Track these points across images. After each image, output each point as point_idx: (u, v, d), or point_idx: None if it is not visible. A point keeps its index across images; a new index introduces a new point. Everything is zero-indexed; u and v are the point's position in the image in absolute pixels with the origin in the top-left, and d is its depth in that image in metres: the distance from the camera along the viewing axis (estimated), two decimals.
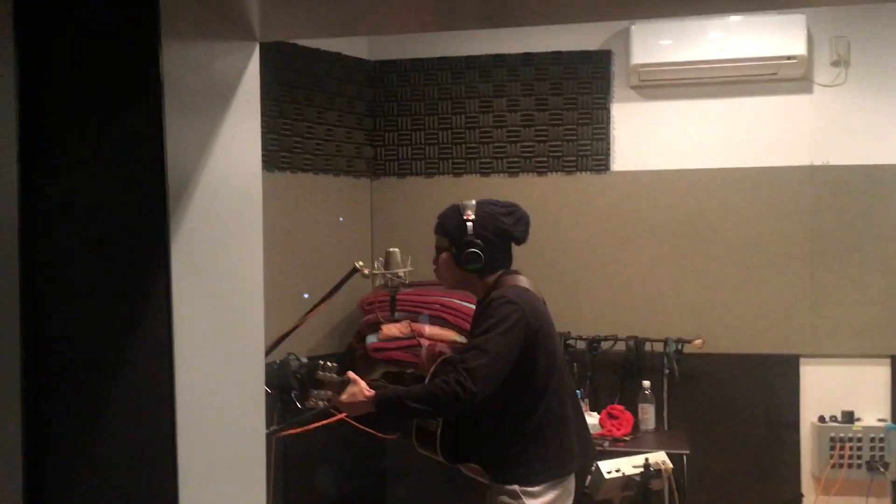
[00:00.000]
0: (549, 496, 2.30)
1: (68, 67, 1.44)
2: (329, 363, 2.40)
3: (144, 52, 1.43)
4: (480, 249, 2.33)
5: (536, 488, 2.28)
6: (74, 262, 1.38)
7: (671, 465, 2.55)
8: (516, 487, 2.27)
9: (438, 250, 2.49)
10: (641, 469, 2.49)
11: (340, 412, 2.58)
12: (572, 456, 2.39)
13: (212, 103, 1.68)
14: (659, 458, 2.56)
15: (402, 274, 2.98)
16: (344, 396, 2.34)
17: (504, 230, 2.37)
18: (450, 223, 2.41)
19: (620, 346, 4.23)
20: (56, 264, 1.39)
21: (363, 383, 2.34)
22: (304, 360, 2.68)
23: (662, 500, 2.54)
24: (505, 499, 2.29)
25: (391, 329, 4.06)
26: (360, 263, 2.93)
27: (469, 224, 2.33)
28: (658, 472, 2.52)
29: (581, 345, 4.24)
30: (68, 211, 1.39)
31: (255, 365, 1.88)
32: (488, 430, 2.34)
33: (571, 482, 2.40)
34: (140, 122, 1.48)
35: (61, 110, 1.42)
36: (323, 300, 2.97)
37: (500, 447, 2.33)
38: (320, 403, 2.40)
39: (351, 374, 2.38)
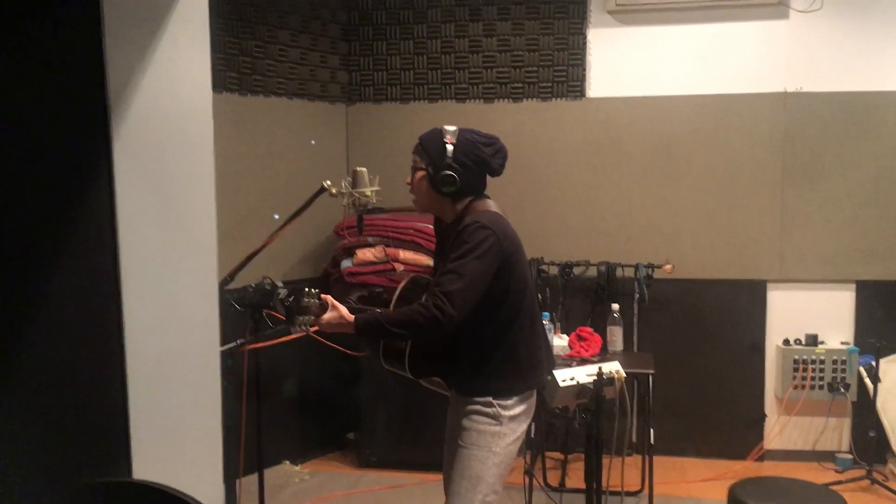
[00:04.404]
0: (521, 408, 2.39)
1: None
2: (311, 289, 2.43)
3: None
4: (456, 173, 2.36)
5: (510, 401, 2.37)
6: (11, 156, 1.41)
7: (624, 374, 2.63)
8: (490, 398, 2.37)
9: (414, 169, 2.50)
10: (595, 377, 2.57)
11: (320, 334, 2.66)
12: (542, 370, 2.49)
13: (153, 9, 1.69)
14: (612, 367, 2.64)
15: (369, 193, 3.01)
16: (325, 318, 2.40)
17: (482, 159, 2.41)
18: (430, 144, 2.43)
19: (592, 271, 4.30)
20: None
21: (343, 308, 2.40)
22: (281, 285, 2.74)
23: (614, 406, 2.62)
24: (479, 408, 2.37)
25: (366, 254, 4.12)
26: (328, 182, 2.97)
27: (449, 147, 2.36)
28: (611, 381, 2.61)
29: (553, 270, 4.32)
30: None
31: (207, 279, 1.92)
32: (462, 350, 2.41)
33: (535, 396, 2.48)
34: (78, 23, 1.50)
35: None
36: (290, 219, 3.01)
37: (473, 366, 2.40)
38: (307, 329, 2.45)
39: (329, 298, 2.43)
